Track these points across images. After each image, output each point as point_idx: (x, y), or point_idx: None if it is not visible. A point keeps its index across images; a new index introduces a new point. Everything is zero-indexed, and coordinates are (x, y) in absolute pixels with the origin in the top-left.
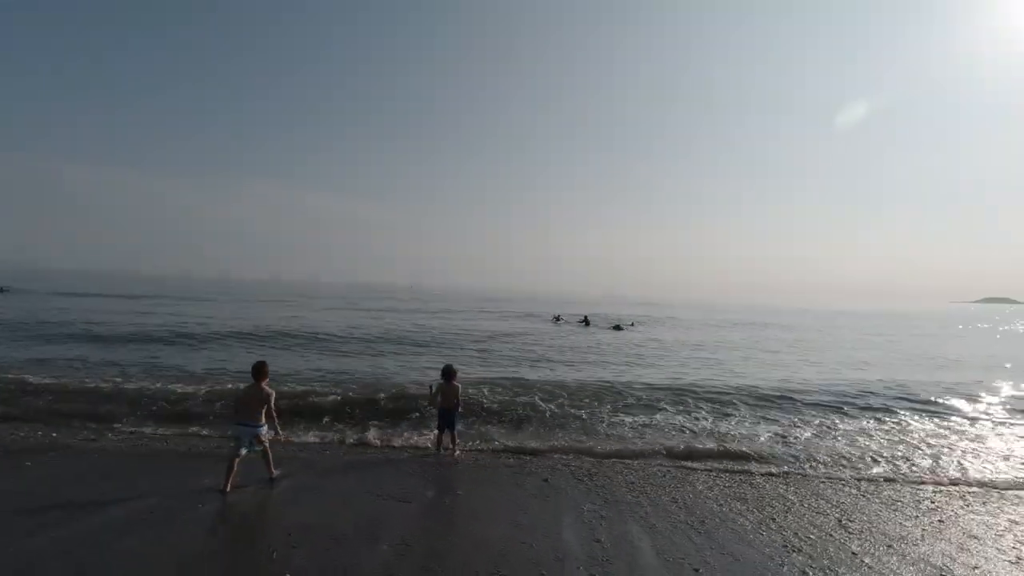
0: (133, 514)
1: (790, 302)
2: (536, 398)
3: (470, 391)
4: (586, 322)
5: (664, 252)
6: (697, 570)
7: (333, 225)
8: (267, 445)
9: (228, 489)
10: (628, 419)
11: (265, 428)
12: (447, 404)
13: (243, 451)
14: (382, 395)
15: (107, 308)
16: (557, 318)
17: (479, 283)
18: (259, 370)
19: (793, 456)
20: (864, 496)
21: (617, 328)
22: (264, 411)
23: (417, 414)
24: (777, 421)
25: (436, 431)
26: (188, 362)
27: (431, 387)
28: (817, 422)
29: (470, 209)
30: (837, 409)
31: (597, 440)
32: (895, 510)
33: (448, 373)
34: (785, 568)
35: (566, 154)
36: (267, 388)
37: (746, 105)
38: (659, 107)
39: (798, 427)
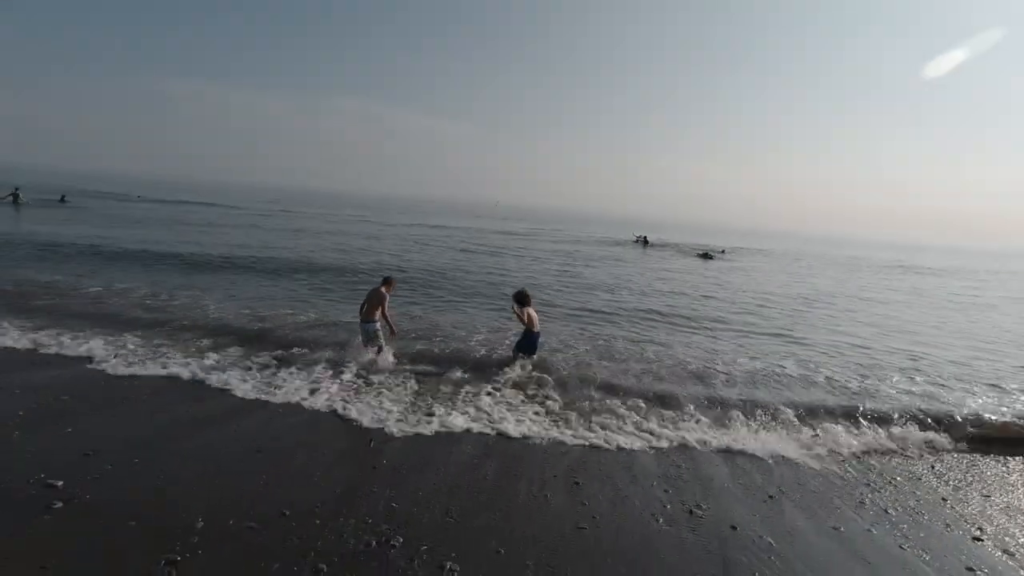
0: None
1: (875, 235)
2: None
3: None
4: (645, 242)
5: (740, 177)
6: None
7: (419, 141)
8: (383, 344)
9: (369, 355)
10: None
11: (379, 325)
12: (532, 327)
13: (365, 345)
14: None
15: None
16: (640, 239)
17: (555, 203)
18: (387, 279)
19: None
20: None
21: (706, 256)
22: (380, 311)
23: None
24: None
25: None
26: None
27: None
28: None
29: (545, 131)
30: None
31: None
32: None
33: (521, 299)
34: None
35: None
36: (384, 291)
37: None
38: (750, 23)
39: None
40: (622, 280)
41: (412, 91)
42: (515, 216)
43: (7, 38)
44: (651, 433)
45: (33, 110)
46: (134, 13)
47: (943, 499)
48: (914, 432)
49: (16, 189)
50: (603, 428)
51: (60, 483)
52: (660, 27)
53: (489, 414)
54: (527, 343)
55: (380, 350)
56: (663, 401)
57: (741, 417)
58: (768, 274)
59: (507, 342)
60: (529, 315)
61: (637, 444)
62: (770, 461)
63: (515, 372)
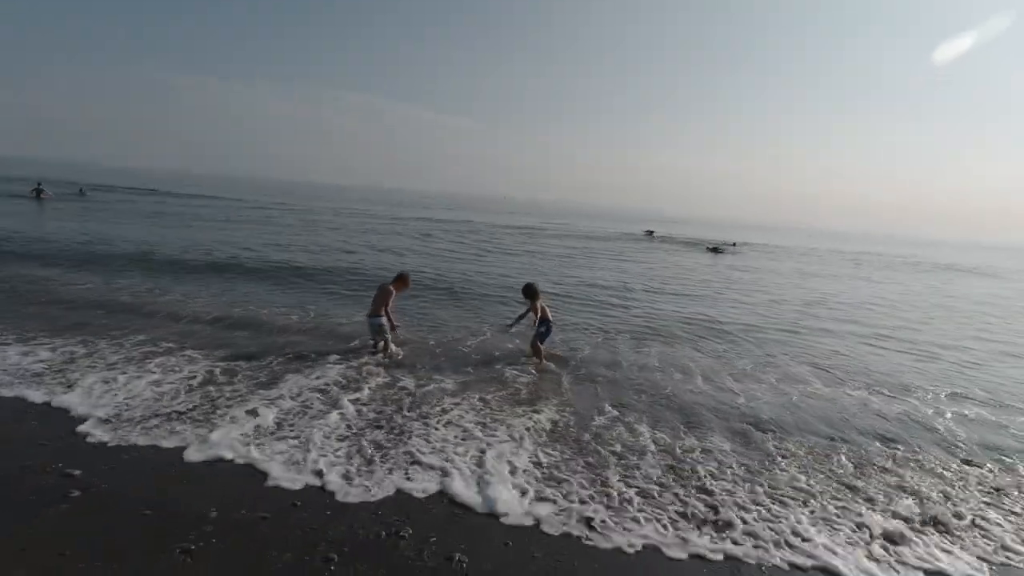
0: None
1: (883, 229)
2: None
3: None
4: (650, 235)
5: (741, 172)
6: None
7: (420, 135)
8: (388, 339)
9: (375, 351)
10: None
11: (384, 320)
12: (546, 318)
13: (372, 341)
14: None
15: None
16: (650, 232)
17: (560, 197)
18: (400, 276)
19: None
20: None
21: (715, 251)
22: (385, 307)
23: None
24: None
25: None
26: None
27: (516, 320)
28: None
29: (546, 127)
30: None
31: None
32: None
33: (530, 292)
34: None
35: (644, 76)
36: (391, 287)
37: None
38: (751, 23)
39: None
40: (633, 276)
41: (416, 86)
42: (522, 211)
43: (10, 31)
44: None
45: (36, 99)
46: (137, 3)
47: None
48: None
49: (39, 184)
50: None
51: (77, 472)
52: (660, 27)
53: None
54: (543, 335)
55: (386, 344)
56: (686, 419)
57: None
58: (794, 273)
59: (515, 342)
60: (541, 307)
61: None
62: None
63: (526, 376)
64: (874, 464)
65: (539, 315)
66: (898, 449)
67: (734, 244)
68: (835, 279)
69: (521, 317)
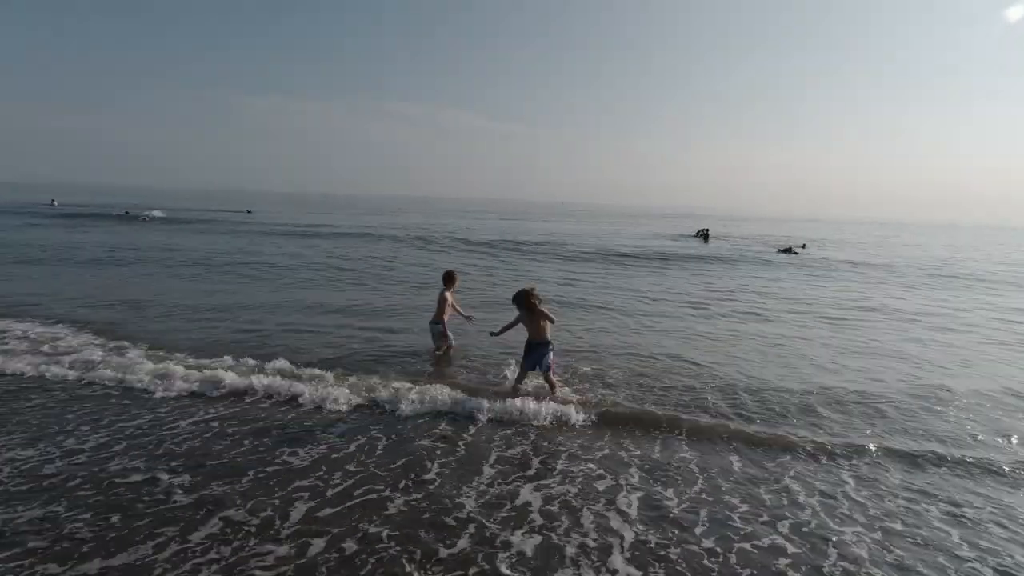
0: None
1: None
2: None
3: None
4: (705, 237)
5: (802, 165)
6: None
7: (473, 142)
8: (451, 343)
9: (438, 352)
10: None
11: (443, 326)
12: (535, 337)
13: (435, 345)
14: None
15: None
16: (703, 234)
17: (618, 201)
18: (447, 278)
19: None
20: None
21: (788, 252)
22: (442, 313)
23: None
24: None
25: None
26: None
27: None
28: None
29: (599, 130)
30: None
31: None
32: None
33: (521, 299)
34: None
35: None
36: (446, 294)
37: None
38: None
39: None
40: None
41: (472, 95)
42: (575, 215)
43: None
44: None
45: (107, 124)
46: (208, 28)
47: None
48: None
49: (126, 212)
50: None
51: None
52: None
53: None
54: (530, 356)
55: (449, 348)
56: None
57: None
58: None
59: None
60: (526, 323)
61: None
62: None
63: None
64: None
65: (534, 331)
66: None
67: (803, 246)
68: None
69: (507, 328)
